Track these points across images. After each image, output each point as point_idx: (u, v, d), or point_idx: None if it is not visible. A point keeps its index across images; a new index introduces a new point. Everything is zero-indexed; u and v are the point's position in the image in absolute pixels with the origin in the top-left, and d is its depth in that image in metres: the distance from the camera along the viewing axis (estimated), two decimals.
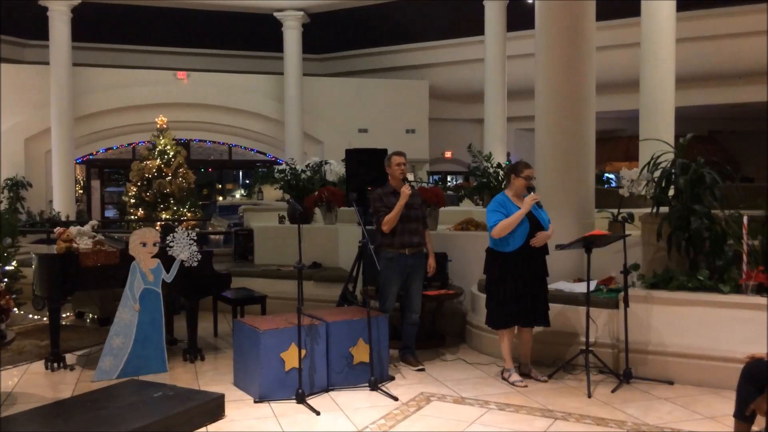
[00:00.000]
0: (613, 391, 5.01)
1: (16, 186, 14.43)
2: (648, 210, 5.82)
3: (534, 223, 5.22)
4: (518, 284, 5.20)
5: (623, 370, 5.20)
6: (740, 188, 5.84)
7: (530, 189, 5.30)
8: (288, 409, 4.75)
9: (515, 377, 5.26)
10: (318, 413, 4.64)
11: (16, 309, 6.80)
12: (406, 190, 5.57)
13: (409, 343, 5.85)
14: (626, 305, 5.23)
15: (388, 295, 5.70)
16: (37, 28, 15.84)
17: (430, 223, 7.25)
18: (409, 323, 5.80)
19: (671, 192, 5.71)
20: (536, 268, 5.28)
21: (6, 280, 6.64)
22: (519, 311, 5.23)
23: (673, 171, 5.61)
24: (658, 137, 7.41)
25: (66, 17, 15.06)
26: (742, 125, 19.42)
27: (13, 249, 7.34)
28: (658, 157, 5.85)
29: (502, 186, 7.13)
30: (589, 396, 4.92)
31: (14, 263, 7.27)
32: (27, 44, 17.71)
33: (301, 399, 4.81)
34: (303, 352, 4.93)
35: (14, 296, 6.54)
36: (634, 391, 5.05)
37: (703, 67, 15.36)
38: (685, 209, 5.40)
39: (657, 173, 5.78)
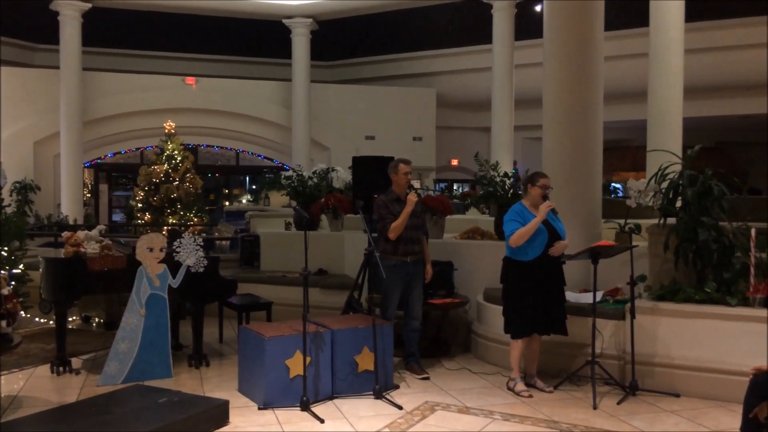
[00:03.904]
0: (618, 403, 4.99)
1: (25, 189, 14.49)
2: (655, 221, 5.81)
3: (552, 232, 5.24)
4: (536, 293, 5.20)
5: (629, 381, 5.19)
6: (748, 200, 5.83)
7: (545, 198, 5.29)
8: (292, 416, 4.74)
9: (521, 387, 5.25)
10: (322, 421, 4.63)
11: (23, 312, 6.81)
12: (412, 198, 5.58)
13: (412, 350, 5.84)
14: (633, 317, 5.21)
15: (390, 303, 5.70)
16: (47, 32, 15.94)
17: (437, 231, 7.26)
18: (411, 330, 5.81)
19: (678, 203, 5.69)
20: (553, 277, 5.29)
21: (13, 283, 6.65)
22: (536, 319, 5.23)
23: (680, 182, 5.60)
24: (666, 148, 7.40)
25: (76, 22, 15.14)
26: (750, 137, 19.34)
27: (21, 252, 7.37)
28: (666, 168, 5.83)
29: (509, 194, 7.12)
30: (595, 408, 4.89)
31: (21, 266, 7.29)
32: (37, 48, 17.81)
33: (305, 406, 4.81)
34: (308, 359, 4.93)
35: (21, 299, 6.56)
36: (640, 403, 5.03)
37: (712, 78, 15.32)
38: (693, 221, 5.38)
39: (664, 184, 5.77)
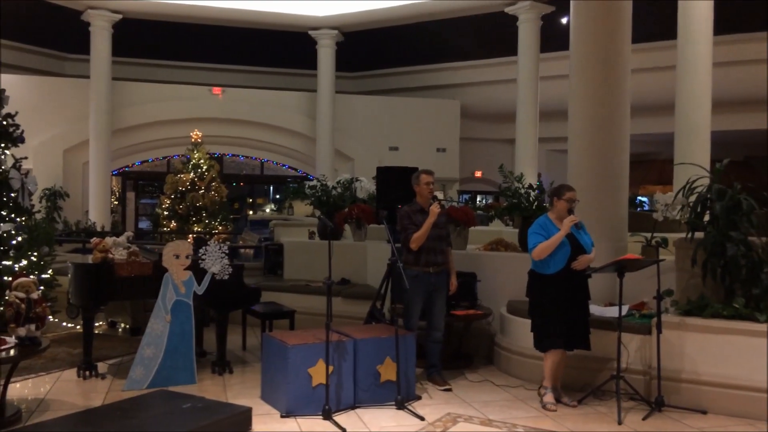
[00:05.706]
0: (644, 419, 4.92)
1: (54, 196, 14.80)
2: (682, 235, 5.74)
3: (575, 245, 5.17)
4: (560, 306, 5.16)
5: (655, 397, 5.11)
6: None
7: (570, 211, 5.26)
8: (314, 425, 4.75)
9: (549, 398, 5.19)
10: (344, 430, 4.62)
11: (51, 317, 6.92)
12: (435, 209, 5.59)
13: (434, 361, 5.82)
14: (659, 331, 5.14)
15: (413, 313, 5.70)
16: (78, 42, 16.27)
17: (460, 242, 7.24)
18: (433, 341, 5.79)
19: (707, 217, 5.62)
20: (578, 291, 5.23)
21: (42, 288, 6.77)
22: (562, 333, 5.18)
23: (708, 196, 5.53)
24: (694, 161, 7.32)
25: (107, 33, 15.45)
26: None
27: (50, 257, 7.49)
28: (694, 181, 5.77)
29: (533, 206, 7.08)
30: (620, 423, 4.83)
31: (50, 271, 7.41)
32: (68, 58, 18.19)
33: (327, 415, 4.81)
34: (330, 368, 4.94)
35: (49, 304, 6.66)
36: (665, 419, 4.95)
37: (740, 91, 15.13)
38: (721, 235, 5.31)
39: (692, 198, 5.70)
